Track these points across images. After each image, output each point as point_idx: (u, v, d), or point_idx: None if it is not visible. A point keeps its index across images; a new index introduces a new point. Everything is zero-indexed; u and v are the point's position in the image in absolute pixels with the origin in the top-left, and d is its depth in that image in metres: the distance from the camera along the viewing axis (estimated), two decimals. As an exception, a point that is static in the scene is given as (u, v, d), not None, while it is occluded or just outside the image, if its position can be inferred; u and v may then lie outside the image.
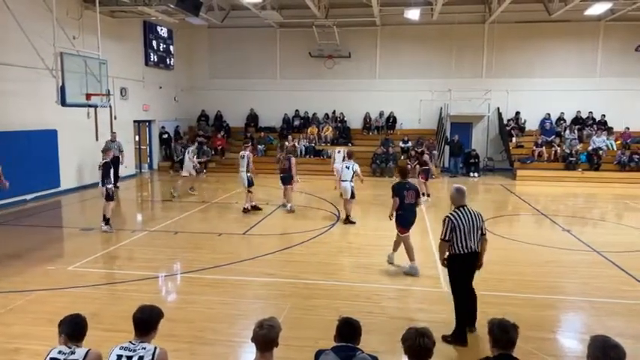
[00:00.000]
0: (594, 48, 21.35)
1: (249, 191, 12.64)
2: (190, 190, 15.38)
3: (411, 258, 7.91)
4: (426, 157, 15.46)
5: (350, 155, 11.86)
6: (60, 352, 3.24)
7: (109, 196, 10.47)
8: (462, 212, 5.45)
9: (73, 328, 3.35)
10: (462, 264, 5.54)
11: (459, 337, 5.48)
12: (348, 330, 3.41)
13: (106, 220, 10.54)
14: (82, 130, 14.54)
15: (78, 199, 14.69)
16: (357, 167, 11.48)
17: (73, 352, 3.22)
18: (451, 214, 5.48)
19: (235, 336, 5.65)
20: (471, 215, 5.46)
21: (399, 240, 8.10)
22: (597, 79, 21.36)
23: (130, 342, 3.32)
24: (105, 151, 11.04)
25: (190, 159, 14.95)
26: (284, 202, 13.15)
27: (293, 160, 13.01)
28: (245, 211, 12.53)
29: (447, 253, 5.58)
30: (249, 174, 12.69)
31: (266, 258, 8.69)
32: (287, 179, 12.85)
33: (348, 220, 11.41)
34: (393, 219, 8.00)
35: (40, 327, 5.73)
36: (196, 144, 17.52)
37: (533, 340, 5.39)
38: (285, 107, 23.39)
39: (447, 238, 5.43)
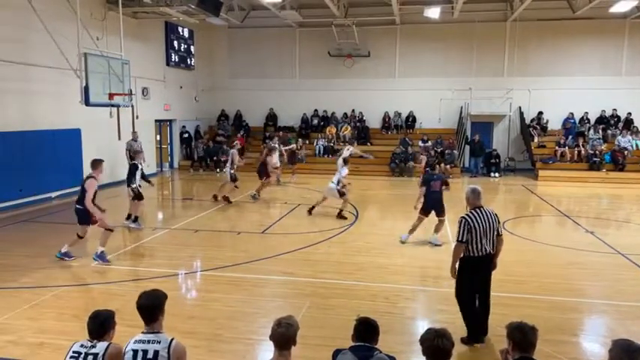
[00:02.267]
0: (619, 46, 20.87)
1: (235, 186, 13.86)
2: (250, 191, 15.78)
3: (410, 232, 9.57)
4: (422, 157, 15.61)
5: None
6: (82, 345, 3.32)
7: (138, 195, 10.68)
8: (477, 213, 5.36)
9: (93, 325, 3.42)
10: (474, 268, 5.40)
11: (472, 336, 5.42)
12: (366, 330, 3.41)
13: (135, 218, 10.82)
14: (104, 129, 14.79)
15: (100, 197, 14.88)
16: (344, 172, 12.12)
17: (94, 346, 3.30)
18: (467, 214, 5.38)
19: (253, 334, 5.70)
20: (487, 216, 5.36)
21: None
22: (622, 78, 20.89)
23: (142, 332, 3.32)
24: (136, 152, 11.39)
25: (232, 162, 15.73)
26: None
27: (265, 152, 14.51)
28: (215, 198, 13.71)
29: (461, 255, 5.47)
30: (232, 170, 13.69)
31: (284, 257, 8.73)
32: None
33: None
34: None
35: (64, 322, 5.86)
36: (238, 144, 18.03)
37: (555, 343, 5.31)
38: (304, 107, 23.43)
39: (463, 239, 5.32)
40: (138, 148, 13.93)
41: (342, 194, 11.75)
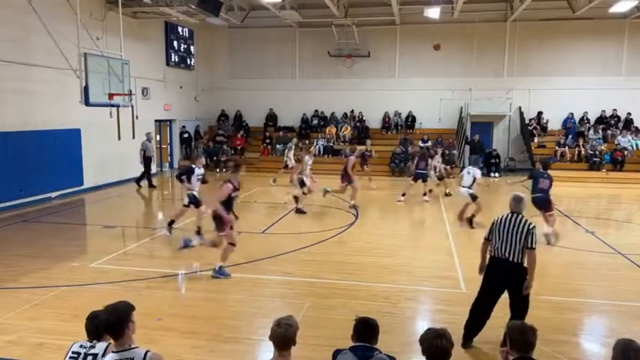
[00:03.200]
0: (619, 46, 20.87)
1: (303, 193, 12.79)
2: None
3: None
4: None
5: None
6: (81, 345, 3.32)
7: (193, 202, 10.04)
8: (507, 217, 5.33)
9: (91, 326, 3.41)
10: (491, 267, 5.35)
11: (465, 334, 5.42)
12: (366, 329, 3.41)
13: (198, 230, 9.96)
14: (104, 129, 14.78)
15: (100, 197, 14.96)
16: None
17: (93, 347, 3.29)
18: (498, 216, 5.46)
19: (254, 334, 5.69)
20: (514, 224, 5.23)
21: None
22: (622, 78, 20.89)
23: (113, 351, 3.10)
24: (195, 158, 10.59)
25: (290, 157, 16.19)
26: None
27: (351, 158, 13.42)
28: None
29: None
30: (301, 176, 12.78)
31: (284, 257, 8.73)
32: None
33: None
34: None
35: (63, 322, 5.86)
36: (294, 140, 18.43)
37: (555, 343, 5.31)
38: (304, 107, 23.42)
39: (487, 236, 5.47)
40: (151, 149, 14.19)
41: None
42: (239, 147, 22.19)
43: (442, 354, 3.02)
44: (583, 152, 19.60)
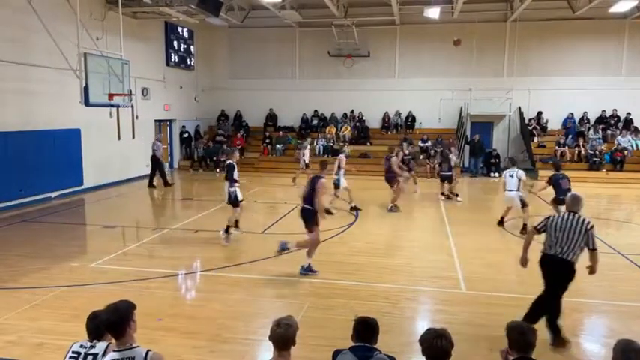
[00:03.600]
0: (619, 46, 20.88)
1: (336, 195, 12.97)
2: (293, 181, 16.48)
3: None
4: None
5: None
6: (81, 345, 3.32)
7: (232, 201, 9.72)
8: (565, 216, 5.34)
9: (91, 325, 3.41)
10: (542, 264, 5.45)
11: (556, 338, 5.38)
12: (365, 329, 3.41)
13: (235, 224, 9.87)
14: (104, 129, 14.79)
15: (100, 197, 14.96)
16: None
17: (93, 346, 3.30)
18: (554, 215, 5.50)
19: (253, 334, 5.69)
20: (573, 223, 5.24)
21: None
22: (622, 78, 20.89)
23: (114, 350, 3.12)
24: (231, 154, 10.34)
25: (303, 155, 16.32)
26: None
27: (393, 159, 13.11)
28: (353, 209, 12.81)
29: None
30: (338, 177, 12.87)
31: (284, 257, 8.71)
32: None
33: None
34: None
35: (63, 322, 5.87)
36: (309, 139, 18.62)
37: (555, 343, 5.31)
38: (304, 107, 23.43)
39: (537, 226, 5.51)
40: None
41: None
42: (239, 147, 22.16)
43: (442, 354, 3.02)
44: (583, 152, 19.60)
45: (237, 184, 9.73)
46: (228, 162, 9.91)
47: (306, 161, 17.05)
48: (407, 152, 17.03)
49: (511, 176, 10.71)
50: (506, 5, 21.15)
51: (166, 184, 16.79)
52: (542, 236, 5.59)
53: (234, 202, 9.77)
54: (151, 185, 16.71)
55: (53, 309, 6.33)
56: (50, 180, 13.87)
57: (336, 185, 12.79)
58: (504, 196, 10.90)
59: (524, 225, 10.38)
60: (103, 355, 3.23)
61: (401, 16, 20.93)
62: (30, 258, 8.52)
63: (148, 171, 19.10)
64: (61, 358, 3.36)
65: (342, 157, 13.45)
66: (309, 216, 7.73)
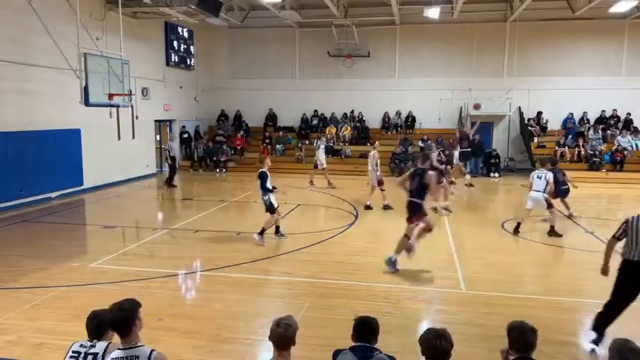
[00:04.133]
0: (619, 46, 20.88)
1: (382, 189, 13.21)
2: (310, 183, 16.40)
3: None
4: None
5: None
6: (81, 345, 3.32)
7: (268, 208, 9.65)
8: None
9: (91, 325, 3.41)
10: (626, 271, 5.17)
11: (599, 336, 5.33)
12: (365, 329, 3.42)
13: (261, 231, 9.68)
14: (104, 129, 14.80)
15: (100, 197, 14.96)
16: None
17: (93, 346, 3.30)
18: (632, 216, 5.20)
19: (253, 334, 5.70)
20: None
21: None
22: (622, 78, 20.90)
23: (119, 348, 3.14)
24: (263, 160, 10.20)
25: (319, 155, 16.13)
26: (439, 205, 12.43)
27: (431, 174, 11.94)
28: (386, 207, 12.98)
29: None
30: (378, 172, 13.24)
31: (284, 257, 8.74)
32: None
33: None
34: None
35: (63, 322, 5.87)
36: (324, 139, 18.41)
37: (555, 343, 5.32)
38: (304, 107, 23.43)
39: (616, 235, 5.23)
40: (174, 150, 14.51)
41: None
42: (239, 147, 22.20)
43: (441, 354, 3.02)
44: (583, 152, 19.60)
45: (270, 193, 9.59)
46: (260, 170, 9.75)
47: (322, 161, 16.62)
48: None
49: (539, 177, 10.33)
50: (506, 5, 21.15)
51: (170, 184, 16.81)
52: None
53: (269, 208, 9.64)
54: (171, 185, 16.73)
55: (53, 309, 6.34)
56: (50, 180, 13.88)
57: (380, 182, 13.08)
58: (528, 196, 10.52)
59: (552, 228, 10.35)
60: (104, 354, 3.23)
61: (401, 16, 20.93)
62: (30, 258, 8.53)
63: (148, 171, 19.22)
64: (61, 358, 3.36)
65: (374, 152, 13.50)
66: (417, 208, 7.93)
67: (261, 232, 9.63)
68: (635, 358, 2.80)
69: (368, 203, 13.08)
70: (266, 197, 9.56)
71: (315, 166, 16.79)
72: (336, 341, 4.23)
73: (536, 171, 10.75)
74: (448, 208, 12.72)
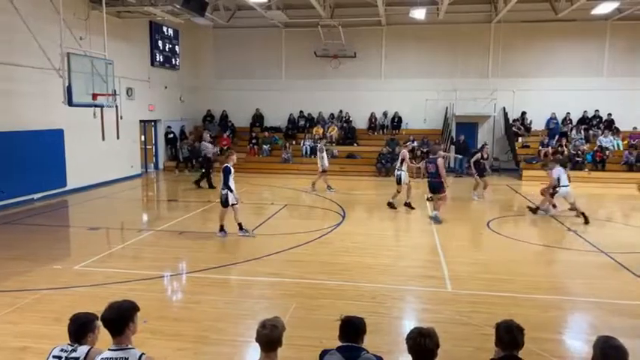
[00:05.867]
0: (601, 47, 21.22)
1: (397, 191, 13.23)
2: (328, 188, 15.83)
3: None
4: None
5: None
6: (62, 349, 3.26)
7: (223, 203, 9.85)
8: None
9: (73, 327, 3.35)
10: None
11: None
12: (351, 329, 3.41)
13: (220, 227, 10.04)
14: (88, 130, 14.62)
15: (84, 198, 14.77)
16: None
17: (74, 350, 3.23)
18: None
19: (240, 336, 5.67)
20: None
21: None
22: (604, 79, 21.24)
23: (110, 349, 3.11)
24: (228, 156, 10.29)
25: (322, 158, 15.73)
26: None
27: (440, 161, 11.60)
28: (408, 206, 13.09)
29: None
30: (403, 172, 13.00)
31: (271, 258, 8.71)
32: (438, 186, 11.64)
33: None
34: None
35: (46, 326, 5.78)
36: (324, 141, 18.38)
37: (539, 340, 5.37)
38: (291, 107, 23.40)
39: None
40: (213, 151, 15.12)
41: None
42: (225, 147, 22.06)
43: (427, 353, 3.04)
44: (566, 152, 19.86)
45: (229, 189, 9.71)
46: (224, 165, 9.85)
47: (326, 164, 15.83)
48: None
49: (564, 174, 11.91)
50: (490, 7, 21.36)
51: (210, 185, 16.29)
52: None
53: (224, 203, 9.80)
54: (210, 186, 16.21)
55: (35, 312, 6.24)
56: (33, 181, 13.65)
57: (398, 180, 12.84)
58: (560, 191, 11.95)
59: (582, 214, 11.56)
60: (86, 357, 3.19)
61: (387, 16, 21.02)
62: (12, 261, 8.38)
63: (133, 172, 19.01)
64: (43, 363, 3.30)
65: (405, 151, 13.12)
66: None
67: (240, 227, 10.03)
68: (617, 355, 2.84)
69: (408, 201, 13.00)
70: (224, 192, 9.78)
71: (324, 171, 15.85)
72: (323, 341, 4.24)
73: (560, 169, 12.09)
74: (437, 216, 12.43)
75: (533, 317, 6.02)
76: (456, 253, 9.14)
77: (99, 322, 3.38)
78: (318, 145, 16.85)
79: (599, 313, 6.46)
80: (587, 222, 11.43)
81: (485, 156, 15.16)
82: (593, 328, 5.90)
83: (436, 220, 11.24)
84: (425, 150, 20.55)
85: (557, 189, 11.93)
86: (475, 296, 6.90)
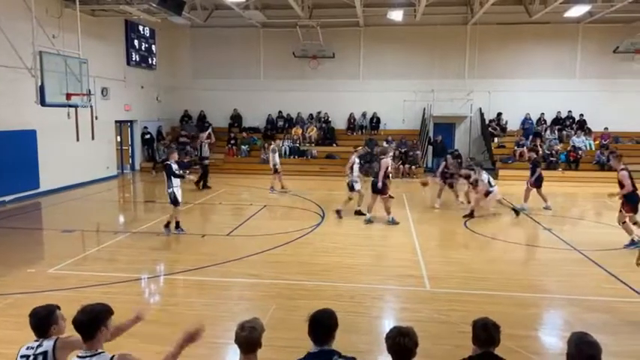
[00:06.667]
0: (573, 50, 21.73)
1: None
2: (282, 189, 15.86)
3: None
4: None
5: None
6: (28, 347, 3.20)
7: (173, 201, 9.93)
8: None
9: (33, 322, 3.29)
10: None
11: None
12: (319, 329, 3.39)
13: (166, 224, 10.15)
14: (62, 130, 14.31)
15: (58, 200, 14.45)
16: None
17: (40, 345, 3.18)
18: None
19: (219, 338, 5.61)
20: None
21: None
22: (576, 81, 21.75)
23: (78, 356, 3.03)
24: (169, 153, 10.33)
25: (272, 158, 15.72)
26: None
27: (383, 161, 11.41)
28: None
29: None
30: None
31: (250, 259, 8.66)
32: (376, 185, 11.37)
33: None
34: None
35: (20, 331, 5.59)
36: (278, 142, 18.42)
37: (516, 338, 5.45)
38: (269, 108, 23.32)
39: None
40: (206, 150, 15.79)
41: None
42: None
43: (405, 352, 3.05)
44: (540, 152, 20.25)
45: (175, 186, 9.86)
46: (165, 163, 9.98)
47: (277, 166, 15.85)
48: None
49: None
50: (466, 9, 21.65)
51: (204, 186, 16.22)
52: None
53: (173, 201, 9.95)
54: (205, 186, 16.17)
55: (8, 317, 6.07)
56: (4, 183, 13.29)
57: (351, 187, 12.31)
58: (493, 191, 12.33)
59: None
60: (54, 349, 3.13)
61: (365, 18, 21.12)
62: (-18, 265, 8.15)
63: (108, 173, 18.68)
64: (16, 369, 3.22)
65: (354, 157, 12.53)
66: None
67: (167, 225, 10.13)
68: (591, 350, 2.90)
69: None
70: (170, 190, 9.86)
71: (275, 171, 15.89)
72: (303, 343, 4.21)
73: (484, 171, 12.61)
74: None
75: (510, 314, 6.13)
76: (435, 253, 9.23)
77: (60, 312, 3.32)
78: (272, 145, 16.87)
79: (573, 310, 6.61)
80: (517, 215, 12.33)
81: (450, 167, 14.31)
82: (568, 325, 6.03)
83: (393, 222, 11.39)
84: (403, 150, 20.77)
85: (491, 189, 12.17)
86: (453, 295, 6.98)
